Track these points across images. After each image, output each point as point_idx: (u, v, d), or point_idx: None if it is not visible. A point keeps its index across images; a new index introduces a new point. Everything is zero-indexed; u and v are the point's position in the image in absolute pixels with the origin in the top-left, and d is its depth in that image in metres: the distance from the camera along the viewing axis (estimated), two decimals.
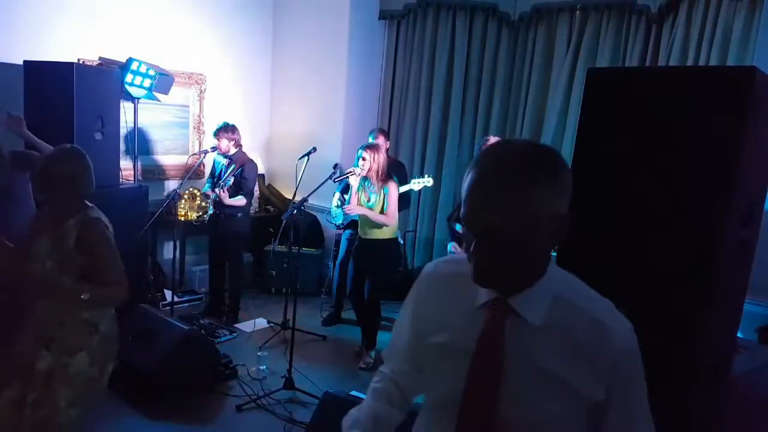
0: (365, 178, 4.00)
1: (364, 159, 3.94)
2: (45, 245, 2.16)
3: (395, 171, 4.77)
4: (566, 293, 1.04)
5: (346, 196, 4.75)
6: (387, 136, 4.96)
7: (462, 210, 0.99)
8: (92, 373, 2.17)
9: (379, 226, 4.01)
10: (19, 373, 2.11)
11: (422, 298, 1.21)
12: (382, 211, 3.98)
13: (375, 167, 3.94)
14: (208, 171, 5.11)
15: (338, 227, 4.87)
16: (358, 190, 4.05)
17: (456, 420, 1.09)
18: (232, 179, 4.61)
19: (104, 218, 2.25)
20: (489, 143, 3.36)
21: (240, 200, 4.62)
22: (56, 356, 2.11)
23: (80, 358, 2.13)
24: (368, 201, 4.01)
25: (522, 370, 1.03)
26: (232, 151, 4.66)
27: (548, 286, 1.04)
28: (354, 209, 4.00)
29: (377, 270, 4.10)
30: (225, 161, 4.69)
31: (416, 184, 4.46)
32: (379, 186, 3.98)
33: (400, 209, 4.32)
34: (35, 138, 3.34)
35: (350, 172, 4.02)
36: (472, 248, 0.99)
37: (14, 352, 2.15)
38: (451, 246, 3.64)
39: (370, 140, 4.66)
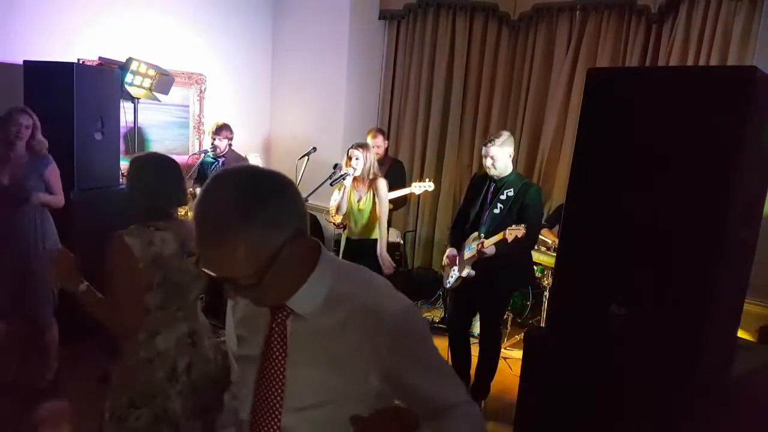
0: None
1: (357, 159, 3.91)
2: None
3: (394, 170, 4.77)
4: (341, 285, 1.07)
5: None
6: (385, 135, 4.96)
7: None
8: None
9: (371, 226, 4.01)
10: None
11: (237, 307, 1.21)
12: (373, 209, 3.98)
13: (368, 166, 3.93)
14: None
15: (337, 226, 4.87)
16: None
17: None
18: None
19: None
20: (496, 141, 3.35)
21: None
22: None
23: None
24: (359, 200, 4.01)
25: (306, 365, 1.06)
26: (226, 150, 4.67)
27: (321, 280, 1.06)
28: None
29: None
30: (220, 160, 4.67)
31: (417, 188, 4.46)
32: (368, 185, 3.96)
33: (397, 209, 4.32)
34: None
35: (346, 173, 3.98)
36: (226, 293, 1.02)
37: None
38: (447, 252, 3.63)
39: (368, 140, 4.66)
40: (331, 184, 4.26)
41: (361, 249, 4.06)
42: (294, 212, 0.99)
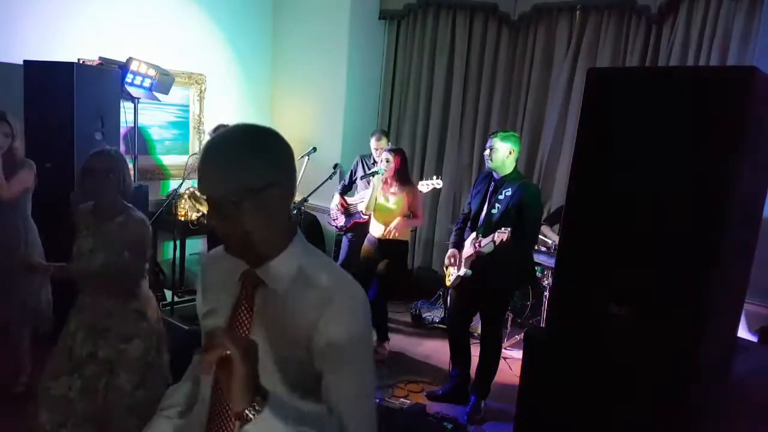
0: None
1: (388, 161, 4.03)
2: (88, 242, 2.31)
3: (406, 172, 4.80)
4: (309, 267, 1.14)
5: (348, 198, 4.77)
6: (388, 137, 4.96)
7: None
8: (150, 357, 2.35)
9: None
10: (75, 363, 2.27)
11: (206, 278, 1.29)
12: (407, 215, 4.12)
13: (397, 170, 4.05)
14: None
15: (339, 229, 4.87)
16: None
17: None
18: None
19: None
20: (500, 133, 3.41)
21: None
22: (113, 344, 2.27)
23: (136, 345, 2.30)
24: (388, 202, 4.09)
25: (266, 336, 1.12)
26: None
27: (293, 258, 1.14)
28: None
29: (390, 269, 4.14)
30: None
31: (424, 186, 4.47)
32: (401, 188, 4.08)
33: None
34: None
35: (376, 171, 4.13)
36: (208, 218, 1.12)
37: (62, 345, 2.32)
38: (448, 253, 3.65)
39: (373, 142, 4.68)
40: (361, 178, 4.59)
41: (391, 249, 4.16)
42: (285, 165, 1.13)
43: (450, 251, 3.62)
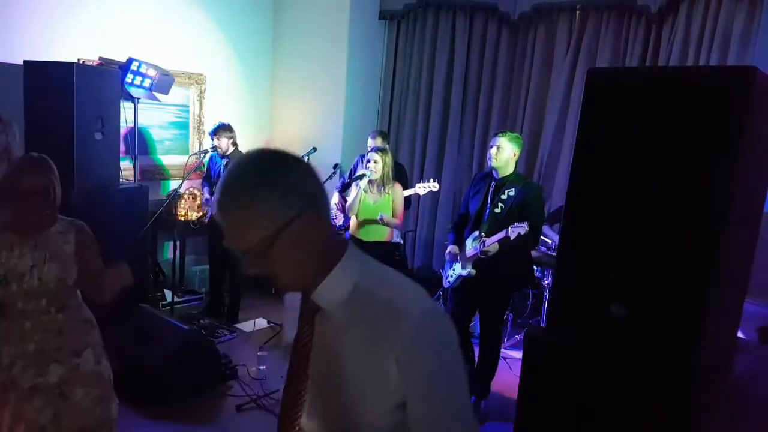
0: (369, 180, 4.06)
1: (376, 162, 3.98)
2: (26, 260, 2.02)
3: (394, 172, 4.78)
4: (365, 282, 1.06)
5: (347, 196, 4.77)
6: (387, 138, 4.96)
7: None
8: (100, 367, 2.16)
9: (384, 228, 4.04)
10: (14, 404, 2.01)
11: (287, 303, 1.25)
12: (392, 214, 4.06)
13: (386, 170, 4.01)
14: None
15: (339, 228, 4.87)
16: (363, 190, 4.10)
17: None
18: None
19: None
20: (507, 133, 3.41)
21: None
22: (66, 363, 2.06)
23: (87, 356, 2.12)
24: (374, 203, 4.04)
25: (326, 368, 1.06)
26: (231, 150, 4.67)
27: (344, 277, 1.06)
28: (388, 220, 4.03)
29: None
30: (224, 161, 4.69)
31: (421, 189, 4.47)
32: (385, 188, 4.03)
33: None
34: None
35: (363, 174, 4.06)
36: (244, 267, 1.05)
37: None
38: (449, 248, 3.64)
39: (370, 141, 4.67)
40: (351, 180, 4.44)
41: (375, 252, 4.07)
42: (304, 188, 1.01)
43: (450, 248, 3.61)
